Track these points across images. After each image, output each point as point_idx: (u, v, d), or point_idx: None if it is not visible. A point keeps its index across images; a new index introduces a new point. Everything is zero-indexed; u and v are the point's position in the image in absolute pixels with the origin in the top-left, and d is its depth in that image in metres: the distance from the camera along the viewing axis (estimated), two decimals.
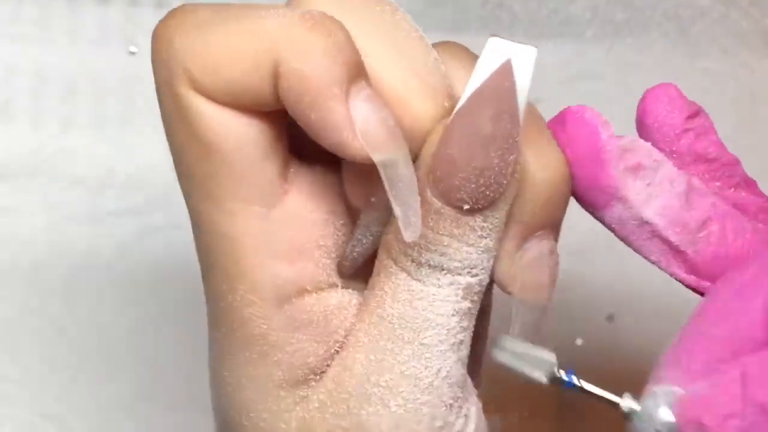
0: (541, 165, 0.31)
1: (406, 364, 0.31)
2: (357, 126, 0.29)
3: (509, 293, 0.32)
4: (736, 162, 0.34)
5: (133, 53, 0.53)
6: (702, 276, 0.32)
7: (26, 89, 0.53)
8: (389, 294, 0.31)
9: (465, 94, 0.29)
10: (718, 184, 0.33)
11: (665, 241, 0.32)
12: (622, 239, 0.33)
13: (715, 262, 0.32)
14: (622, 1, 0.55)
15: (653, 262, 0.33)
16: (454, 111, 0.29)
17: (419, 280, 0.31)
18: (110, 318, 0.52)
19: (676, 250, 0.32)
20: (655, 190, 0.32)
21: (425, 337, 0.31)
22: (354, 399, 0.31)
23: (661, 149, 0.33)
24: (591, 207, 0.32)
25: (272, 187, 0.31)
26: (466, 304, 0.31)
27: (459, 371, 0.31)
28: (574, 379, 0.30)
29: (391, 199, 0.29)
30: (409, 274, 0.31)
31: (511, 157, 0.30)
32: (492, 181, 0.30)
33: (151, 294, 0.52)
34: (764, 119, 0.57)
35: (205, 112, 0.30)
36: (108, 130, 0.53)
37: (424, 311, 0.31)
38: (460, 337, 0.31)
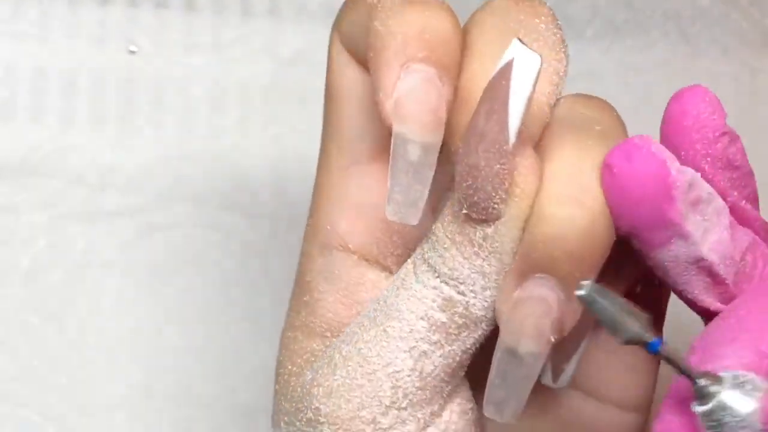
0: (558, 197, 0.30)
1: (364, 343, 0.31)
2: (395, 93, 0.29)
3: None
4: (752, 173, 0.33)
5: (133, 52, 0.53)
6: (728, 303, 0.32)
7: (26, 88, 0.53)
8: (394, 278, 0.31)
9: None
10: (735, 193, 0.33)
11: (713, 275, 0.31)
12: (666, 276, 0.32)
13: (743, 288, 0.32)
14: (621, 1, 0.55)
15: (687, 296, 0.32)
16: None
17: (415, 274, 0.31)
18: (110, 318, 0.52)
19: (719, 283, 0.32)
20: (708, 224, 0.31)
21: (389, 326, 0.31)
22: (325, 364, 0.32)
23: (696, 152, 0.32)
24: (647, 245, 0.31)
25: (367, 147, 0.32)
26: (441, 317, 0.30)
27: (412, 382, 0.31)
28: (659, 347, 0.29)
29: (389, 170, 0.30)
30: (414, 264, 0.31)
31: (498, 166, 0.29)
32: (480, 185, 0.29)
33: (151, 294, 0.52)
34: (765, 119, 0.57)
35: (335, 57, 0.33)
36: (108, 130, 0.53)
37: (400, 302, 0.31)
38: (423, 347, 0.31)
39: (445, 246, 0.30)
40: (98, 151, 0.53)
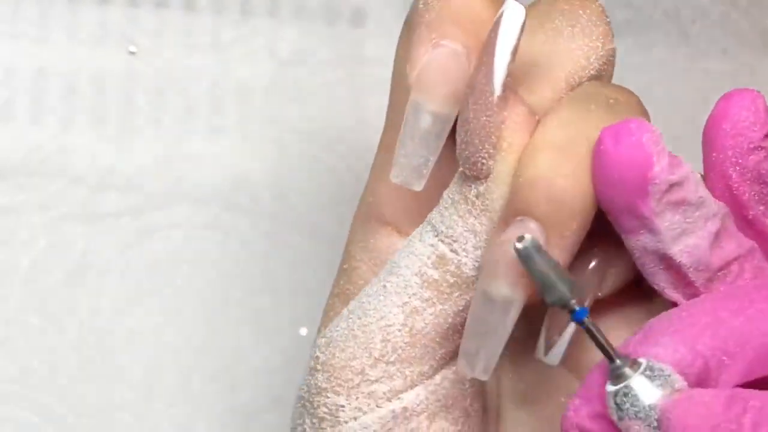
0: (546, 144, 0.30)
1: (366, 297, 0.32)
2: (420, 64, 0.30)
3: None
4: None
5: (132, 53, 0.53)
6: None
7: (26, 89, 0.53)
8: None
9: None
10: (761, 208, 0.32)
11: (681, 275, 0.31)
12: (636, 261, 0.32)
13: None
14: (622, 0, 0.55)
15: (650, 280, 0.32)
16: None
17: (420, 233, 0.31)
18: (110, 318, 0.52)
19: (687, 284, 0.31)
20: (690, 227, 0.31)
21: (388, 281, 0.31)
22: (337, 318, 0.33)
23: (726, 157, 0.31)
24: (618, 227, 0.31)
25: None
26: (434, 274, 0.31)
27: (402, 337, 0.31)
28: (584, 317, 0.29)
29: (399, 135, 0.30)
30: (428, 222, 0.31)
31: (484, 119, 0.29)
32: (469, 138, 0.29)
33: (151, 294, 0.52)
34: None
35: (401, 44, 0.34)
36: (108, 130, 0.53)
37: (401, 258, 0.31)
38: (415, 303, 0.31)
39: (446, 205, 0.31)
40: (98, 151, 0.53)
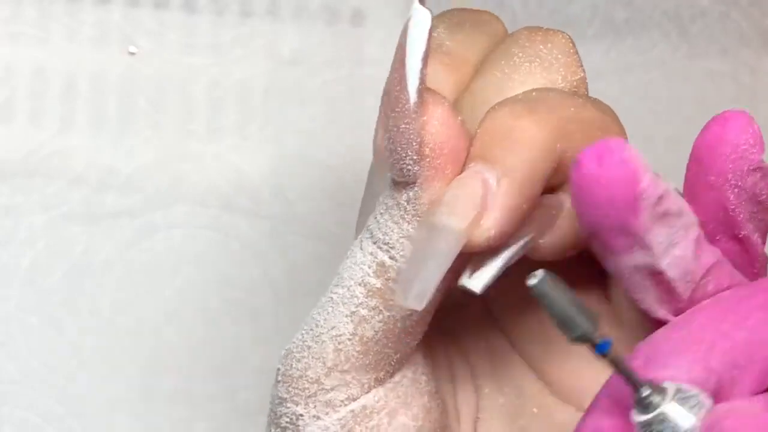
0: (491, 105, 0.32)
1: (317, 309, 0.32)
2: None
3: None
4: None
5: (132, 53, 0.53)
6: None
7: (25, 89, 0.52)
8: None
9: None
10: (751, 226, 0.32)
11: (669, 290, 0.31)
12: (622, 282, 0.31)
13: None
14: (622, 0, 0.55)
15: (637, 301, 0.31)
16: None
17: (360, 241, 0.31)
18: (110, 318, 0.52)
19: (674, 298, 0.31)
20: (675, 238, 0.30)
21: (334, 293, 0.32)
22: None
23: (726, 180, 0.31)
24: (608, 250, 0.30)
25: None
26: (377, 283, 0.31)
27: (353, 346, 0.31)
28: (607, 350, 0.28)
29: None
30: (367, 229, 0.31)
31: (403, 126, 0.29)
32: (392, 147, 0.29)
33: (150, 294, 0.52)
34: (765, 119, 0.57)
35: None
36: (108, 130, 0.53)
37: (343, 269, 0.31)
38: (363, 312, 0.31)
39: (381, 211, 0.30)
40: (98, 151, 0.53)
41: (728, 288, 0.31)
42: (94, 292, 0.52)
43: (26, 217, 0.52)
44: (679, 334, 0.29)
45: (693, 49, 0.56)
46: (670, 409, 0.28)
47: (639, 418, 0.28)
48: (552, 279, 0.27)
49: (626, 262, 0.30)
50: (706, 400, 0.28)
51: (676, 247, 0.30)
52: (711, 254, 0.31)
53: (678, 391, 0.28)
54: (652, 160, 0.57)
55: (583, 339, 0.27)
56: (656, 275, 0.30)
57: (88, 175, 0.52)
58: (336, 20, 0.54)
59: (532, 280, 0.27)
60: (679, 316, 0.31)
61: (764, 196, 0.32)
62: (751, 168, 0.31)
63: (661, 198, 0.30)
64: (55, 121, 0.53)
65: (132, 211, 0.52)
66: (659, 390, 0.28)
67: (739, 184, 0.31)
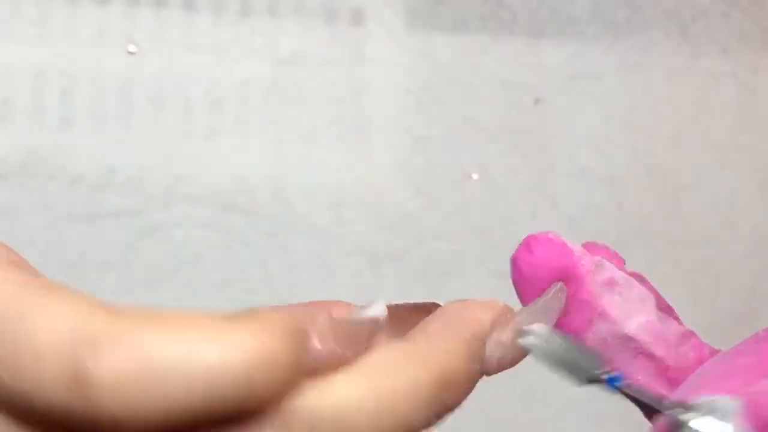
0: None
1: None
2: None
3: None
4: (643, 278, 0.33)
5: (132, 53, 0.53)
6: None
7: (25, 89, 0.53)
8: None
9: None
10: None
11: (650, 357, 0.31)
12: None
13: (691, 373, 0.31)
14: (622, 0, 0.55)
15: (640, 400, 0.31)
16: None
17: None
18: None
19: (661, 365, 0.31)
20: (632, 306, 0.30)
21: None
22: None
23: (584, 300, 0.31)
24: (573, 332, 0.30)
25: None
26: None
27: None
28: (620, 382, 0.27)
29: None
30: None
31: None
32: None
33: (150, 294, 0.52)
34: (765, 118, 0.57)
35: None
36: (107, 130, 0.53)
37: None
38: None
39: None
40: (98, 151, 0.53)
41: (710, 354, 0.31)
42: (94, 291, 0.52)
43: (26, 217, 0.52)
44: (712, 372, 0.29)
45: (694, 48, 0.56)
46: (702, 423, 0.27)
47: None
48: (543, 332, 0.27)
49: (594, 338, 0.30)
50: (734, 404, 0.27)
51: (638, 315, 0.30)
52: (677, 325, 0.31)
53: (705, 404, 0.27)
54: (652, 159, 0.57)
55: (592, 381, 0.27)
56: (629, 342, 0.30)
57: (89, 174, 0.52)
58: (336, 20, 0.54)
59: (524, 339, 0.26)
60: (700, 367, 0.30)
61: (619, 281, 0.32)
62: (590, 268, 0.31)
63: (599, 266, 0.30)
64: (55, 120, 0.53)
65: (132, 211, 0.52)
66: (688, 407, 0.27)
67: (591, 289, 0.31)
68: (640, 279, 0.33)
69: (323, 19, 0.54)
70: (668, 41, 0.56)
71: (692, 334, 0.32)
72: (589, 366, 0.27)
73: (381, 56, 0.54)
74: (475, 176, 0.56)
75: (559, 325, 0.29)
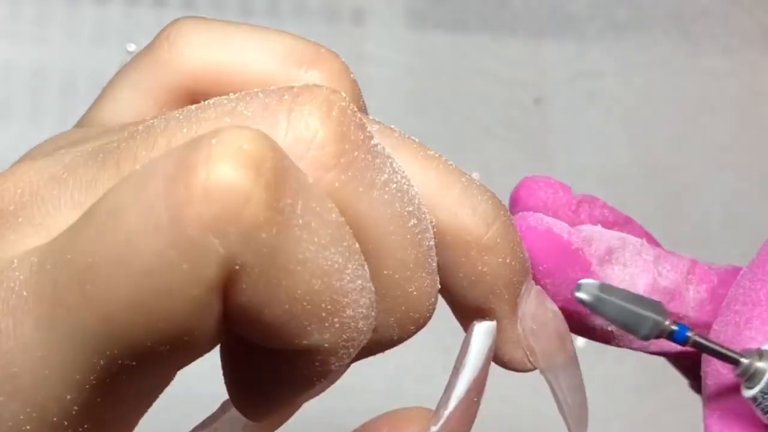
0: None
1: None
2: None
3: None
4: (630, 220, 0.32)
5: (131, 52, 0.53)
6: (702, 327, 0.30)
7: (25, 88, 0.52)
8: None
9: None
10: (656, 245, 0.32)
11: (680, 296, 0.29)
12: (619, 341, 0.29)
13: (711, 308, 0.30)
14: None
15: (658, 351, 0.30)
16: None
17: None
18: None
19: (678, 318, 0.28)
20: (633, 269, 0.29)
21: None
22: None
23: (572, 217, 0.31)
24: (580, 316, 0.28)
25: None
26: None
27: None
28: (686, 334, 0.25)
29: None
30: None
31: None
32: None
33: None
34: (765, 118, 0.57)
35: None
36: None
37: None
38: None
39: None
40: None
41: (719, 282, 0.31)
42: None
43: None
44: (747, 301, 0.28)
45: (695, 47, 0.56)
46: None
47: (750, 392, 0.26)
48: (600, 284, 0.25)
49: (602, 320, 0.29)
50: None
51: (641, 276, 0.29)
52: (677, 259, 0.30)
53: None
54: (652, 159, 0.57)
55: (656, 334, 0.25)
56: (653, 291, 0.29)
57: None
58: (336, 19, 0.54)
59: (581, 293, 0.25)
60: (732, 288, 0.30)
61: (610, 217, 0.31)
62: (573, 209, 0.30)
63: (588, 240, 0.28)
64: (54, 119, 0.52)
65: None
66: (760, 354, 0.26)
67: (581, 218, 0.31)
68: (625, 222, 0.32)
69: (323, 19, 0.54)
70: (669, 41, 0.56)
71: (693, 263, 0.31)
72: (654, 318, 0.25)
73: (381, 56, 0.54)
74: (475, 176, 0.56)
75: (570, 315, 0.28)
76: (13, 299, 0.18)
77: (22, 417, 0.19)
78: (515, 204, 0.30)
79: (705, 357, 0.28)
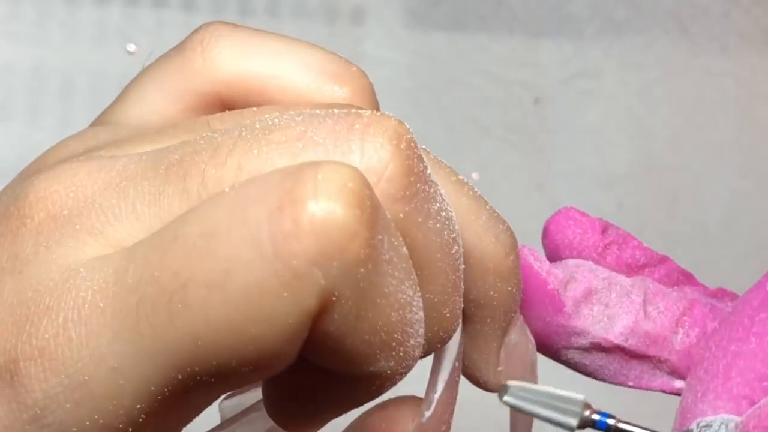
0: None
1: None
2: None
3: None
4: (665, 259, 0.32)
5: (131, 53, 0.53)
6: (683, 373, 0.30)
7: (24, 88, 0.52)
8: None
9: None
10: (660, 285, 0.31)
11: (642, 358, 0.30)
12: (595, 375, 0.30)
13: (694, 351, 0.30)
14: None
15: (636, 387, 0.30)
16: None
17: None
18: None
19: (657, 361, 0.30)
20: (615, 311, 0.29)
21: None
22: None
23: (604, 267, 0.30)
24: (550, 351, 0.29)
25: None
26: None
27: None
28: (610, 420, 0.26)
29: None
30: None
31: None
32: None
33: None
34: (765, 118, 0.57)
35: None
36: None
37: None
38: None
39: None
40: None
41: (713, 330, 0.30)
42: None
43: None
44: (695, 382, 0.28)
45: (694, 47, 0.56)
46: None
47: None
48: (521, 387, 0.26)
49: (579, 355, 0.29)
50: (729, 418, 0.27)
51: (622, 317, 0.29)
52: (676, 300, 0.30)
53: (705, 425, 0.27)
54: (652, 159, 0.57)
55: (580, 426, 0.26)
56: (616, 350, 0.29)
57: None
58: (336, 19, 0.54)
59: (504, 396, 0.26)
60: (689, 376, 0.30)
61: (642, 259, 0.30)
62: (599, 251, 0.30)
63: (570, 281, 0.28)
64: (53, 120, 0.52)
65: None
66: None
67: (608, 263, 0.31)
68: (660, 261, 0.32)
69: (323, 19, 0.54)
70: (668, 40, 0.56)
71: (692, 304, 0.31)
72: (576, 412, 0.26)
73: (380, 56, 0.54)
74: (475, 176, 0.56)
75: (541, 347, 0.29)
76: (86, 309, 0.19)
77: (88, 423, 0.19)
78: (544, 235, 0.30)
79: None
